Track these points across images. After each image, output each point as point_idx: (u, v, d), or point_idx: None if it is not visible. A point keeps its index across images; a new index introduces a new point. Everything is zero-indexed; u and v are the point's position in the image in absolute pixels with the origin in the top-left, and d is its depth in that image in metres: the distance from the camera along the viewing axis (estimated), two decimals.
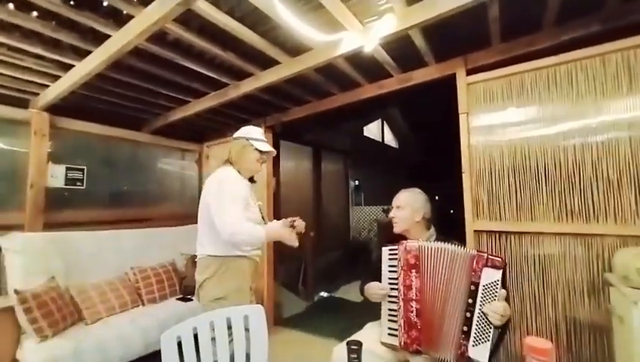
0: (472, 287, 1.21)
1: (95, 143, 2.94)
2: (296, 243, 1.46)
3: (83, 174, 2.83)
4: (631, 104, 1.53)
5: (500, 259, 1.21)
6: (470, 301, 1.21)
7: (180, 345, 1.05)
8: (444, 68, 2.10)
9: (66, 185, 2.72)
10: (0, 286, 2.19)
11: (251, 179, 1.69)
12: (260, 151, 1.60)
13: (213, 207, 1.44)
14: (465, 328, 1.21)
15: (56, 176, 2.66)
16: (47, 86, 2.34)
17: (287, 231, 1.44)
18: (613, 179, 1.55)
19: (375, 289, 1.40)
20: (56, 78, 2.22)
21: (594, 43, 1.61)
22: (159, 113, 3.02)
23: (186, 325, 1.10)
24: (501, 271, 1.19)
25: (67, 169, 2.73)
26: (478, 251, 1.25)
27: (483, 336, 1.18)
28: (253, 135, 1.62)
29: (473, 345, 1.19)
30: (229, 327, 1.17)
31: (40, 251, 2.22)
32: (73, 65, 2.03)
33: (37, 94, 2.47)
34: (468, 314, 1.21)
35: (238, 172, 1.57)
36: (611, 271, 1.48)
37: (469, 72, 1.98)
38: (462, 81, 1.99)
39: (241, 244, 1.46)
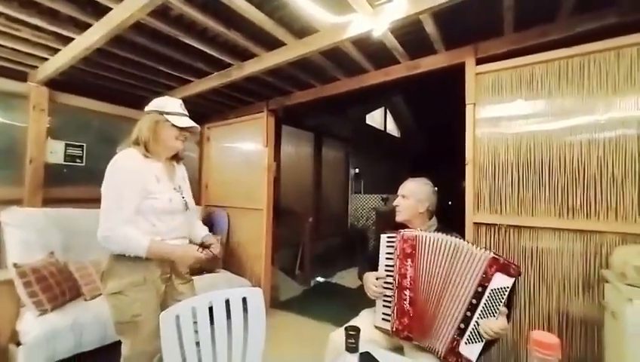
0: (480, 289, 1.18)
1: (95, 120, 2.90)
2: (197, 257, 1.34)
3: (82, 151, 2.81)
4: None
5: (515, 267, 1.16)
6: (474, 301, 1.18)
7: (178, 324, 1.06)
8: (453, 56, 2.04)
9: (65, 161, 2.70)
10: None
11: (176, 158, 1.48)
12: (179, 128, 1.36)
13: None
14: (462, 325, 1.20)
15: (56, 151, 2.64)
16: (46, 59, 2.28)
17: (184, 252, 1.33)
18: (617, 177, 1.54)
19: (370, 285, 1.41)
20: (55, 51, 2.16)
21: (609, 36, 1.56)
22: (160, 92, 2.96)
23: (185, 305, 1.11)
24: (513, 279, 1.15)
25: (66, 145, 2.71)
26: (494, 254, 1.19)
27: (477, 337, 1.18)
28: (169, 108, 1.35)
29: (466, 343, 1.19)
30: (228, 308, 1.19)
31: (39, 226, 2.22)
32: (73, 39, 1.98)
33: (36, 67, 2.42)
34: (468, 314, 1.19)
35: (146, 153, 1.32)
36: (608, 268, 1.49)
37: (479, 62, 1.93)
38: (470, 70, 1.94)
39: (115, 251, 1.26)
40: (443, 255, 1.28)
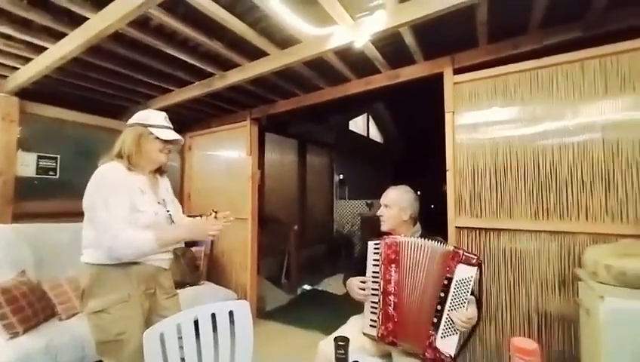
0: (445, 282, 1.25)
1: (69, 131, 2.79)
2: (214, 232, 1.28)
3: (56, 163, 2.69)
4: (605, 108, 1.61)
5: (474, 257, 1.24)
6: (442, 294, 1.25)
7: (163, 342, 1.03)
8: (431, 66, 2.12)
9: (37, 174, 2.58)
10: None
11: (159, 171, 1.45)
12: (164, 141, 1.34)
13: (93, 218, 1.23)
14: (435, 320, 1.26)
15: (27, 164, 2.52)
16: (17, 68, 2.19)
17: (200, 224, 1.29)
18: (586, 180, 1.64)
19: (355, 288, 1.43)
20: (27, 60, 2.08)
21: (575, 49, 1.67)
22: (139, 102, 2.89)
23: (170, 321, 1.08)
24: (476, 269, 1.23)
25: (39, 157, 2.59)
26: (454, 247, 1.30)
27: (451, 329, 1.24)
28: (153, 121, 1.33)
29: (442, 337, 1.24)
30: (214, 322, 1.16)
31: (9, 243, 2.10)
32: (46, 48, 1.91)
33: (5, 77, 2.31)
34: (439, 307, 1.25)
35: (130, 167, 1.28)
36: (581, 267, 1.56)
37: (456, 72, 2.01)
38: (449, 80, 2.02)
39: (125, 258, 1.22)
40: (422, 257, 1.33)
